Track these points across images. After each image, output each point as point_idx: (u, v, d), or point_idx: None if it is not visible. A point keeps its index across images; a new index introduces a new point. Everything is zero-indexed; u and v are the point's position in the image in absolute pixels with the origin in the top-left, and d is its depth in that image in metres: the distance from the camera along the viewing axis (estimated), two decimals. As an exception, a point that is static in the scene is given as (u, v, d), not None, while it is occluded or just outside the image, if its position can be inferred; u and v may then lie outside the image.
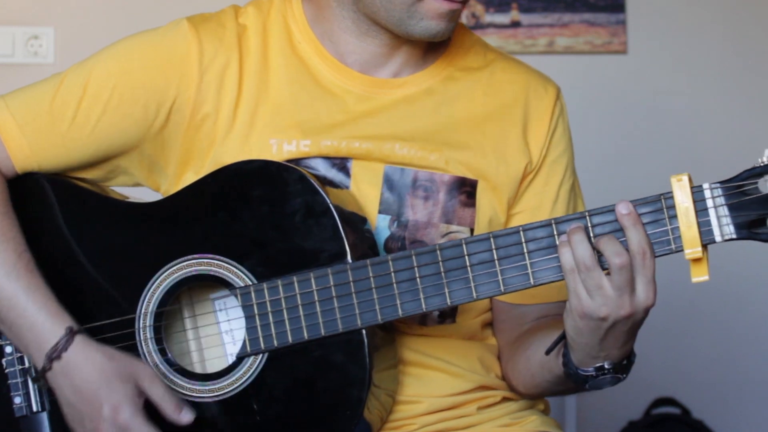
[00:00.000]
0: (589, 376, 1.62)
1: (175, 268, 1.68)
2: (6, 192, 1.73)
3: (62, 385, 1.65)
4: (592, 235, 1.55)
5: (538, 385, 1.76)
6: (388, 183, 1.73)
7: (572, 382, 1.65)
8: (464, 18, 3.50)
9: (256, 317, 1.64)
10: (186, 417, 1.64)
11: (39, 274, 1.68)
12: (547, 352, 1.66)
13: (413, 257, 1.59)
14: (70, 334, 1.64)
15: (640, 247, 1.53)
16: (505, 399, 1.80)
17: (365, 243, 1.68)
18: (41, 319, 1.65)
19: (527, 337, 1.76)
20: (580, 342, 1.59)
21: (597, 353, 1.60)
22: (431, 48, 1.78)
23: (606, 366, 1.61)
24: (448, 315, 1.77)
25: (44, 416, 1.72)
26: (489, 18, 3.53)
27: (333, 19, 1.76)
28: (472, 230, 1.75)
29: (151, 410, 1.65)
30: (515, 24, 3.53)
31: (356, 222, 1.69)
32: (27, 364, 1.73)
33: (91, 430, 1.63)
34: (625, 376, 1.64)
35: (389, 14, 1.69)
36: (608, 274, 1.54)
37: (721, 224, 1.52)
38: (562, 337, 1.63)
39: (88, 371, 1.63)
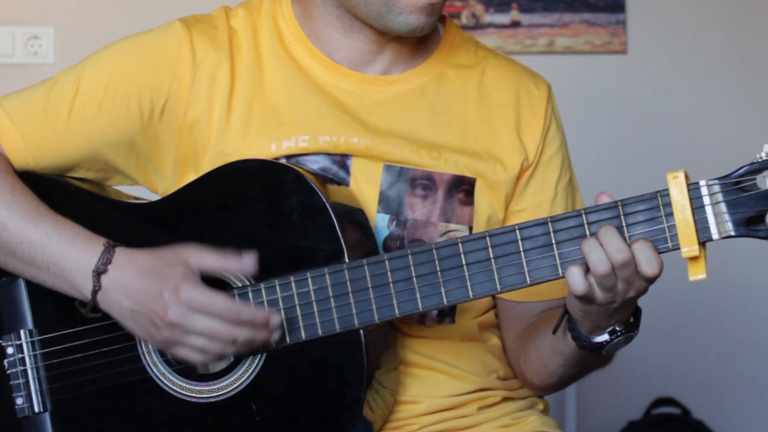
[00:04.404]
0: (603, 342, 1.62)
1: (172, 268, 1.68)
2: (12, 167, 1.74)
3: (118, 298, 1.63)
4: (588, 233, 1.54)
5: (553, 372, 1.74)
6: (387, 182, 1.73)
7: (587, 352, 1.63)
8: (464, 18, 3.50)
9: (254, 317, 1.64)
10: (249, 263, 1.60)
11: (61, 215, 1.69)
12: (554, 331, 1.65)
13: (409, 256, 1.59)
14: (109, 246, 1.64)
15: (652, 271, 1.52)
16: (505, 399, 1.80)
17: (366, 241, 1.68)
18: (78, 246, 1.65)
19: (534, 329, 1.76)
20: (588, 320, 1.60)
21: (606, 324, 1.60)
22: (421, 45, 1.79)
23: (617, 328, 1.61)
24: (447, 314, 1.76)
25: (46, 417, 1.71)
26: (489, 18, 3.53)
27: (319, 17, 1.76)
28: (470, 228, 1.75)
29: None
30: (515, 24, 3.53)
31: (356, 220, 1.68)
32: (32, 362, 1.72)
33: (161, 323, 1.59)
34: (636, 332, 1.63)
35: (368, 8, 1.70)
36: None
37: (719, 221, 1.51)
38: (566, 313, 1.63)
39: (136, 272, 1.62)
